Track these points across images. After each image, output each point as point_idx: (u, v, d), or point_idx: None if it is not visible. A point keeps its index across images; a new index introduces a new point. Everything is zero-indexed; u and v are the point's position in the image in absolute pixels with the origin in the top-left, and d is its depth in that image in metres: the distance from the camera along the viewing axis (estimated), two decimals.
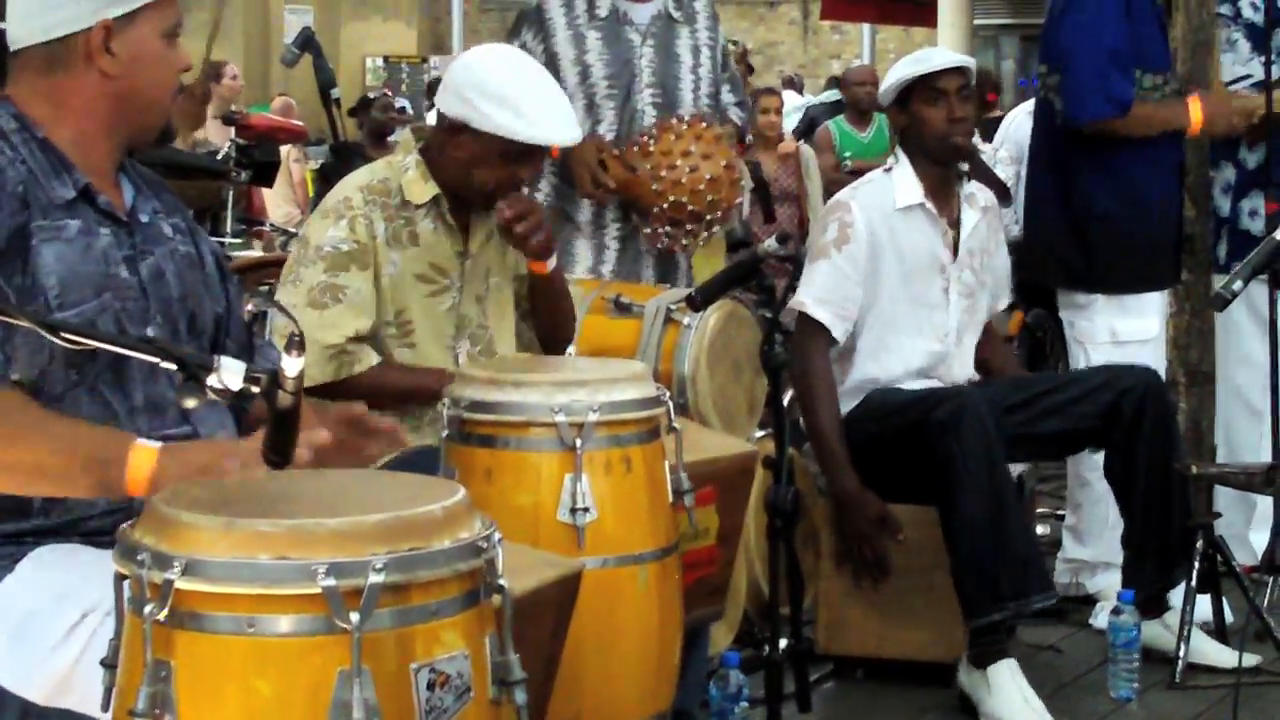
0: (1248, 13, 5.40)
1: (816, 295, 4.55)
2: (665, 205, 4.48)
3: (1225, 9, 5.47)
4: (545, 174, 4.66)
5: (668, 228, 4.54)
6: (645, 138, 4.55)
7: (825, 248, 4.60)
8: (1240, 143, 5.40)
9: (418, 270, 3.64)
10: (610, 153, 4.55)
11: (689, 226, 4.56)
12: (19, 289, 2.49)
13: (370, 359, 3.55)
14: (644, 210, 4.55)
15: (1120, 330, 5.09)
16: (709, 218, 4.57)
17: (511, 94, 3.56)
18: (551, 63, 4.56)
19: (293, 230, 8.04)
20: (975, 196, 4.79)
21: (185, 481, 2.24)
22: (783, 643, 3.58)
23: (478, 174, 3.62)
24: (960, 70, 4.66)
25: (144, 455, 2.35)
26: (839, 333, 4.56)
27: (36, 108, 2.62)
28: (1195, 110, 5.06)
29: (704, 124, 4.58)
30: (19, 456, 2.40)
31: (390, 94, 11.47)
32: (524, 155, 3.60)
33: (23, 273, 2.50)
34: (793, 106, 12.37)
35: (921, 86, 4.62)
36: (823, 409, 4.49)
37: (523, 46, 4.56)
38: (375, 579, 1.92)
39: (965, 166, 4.80)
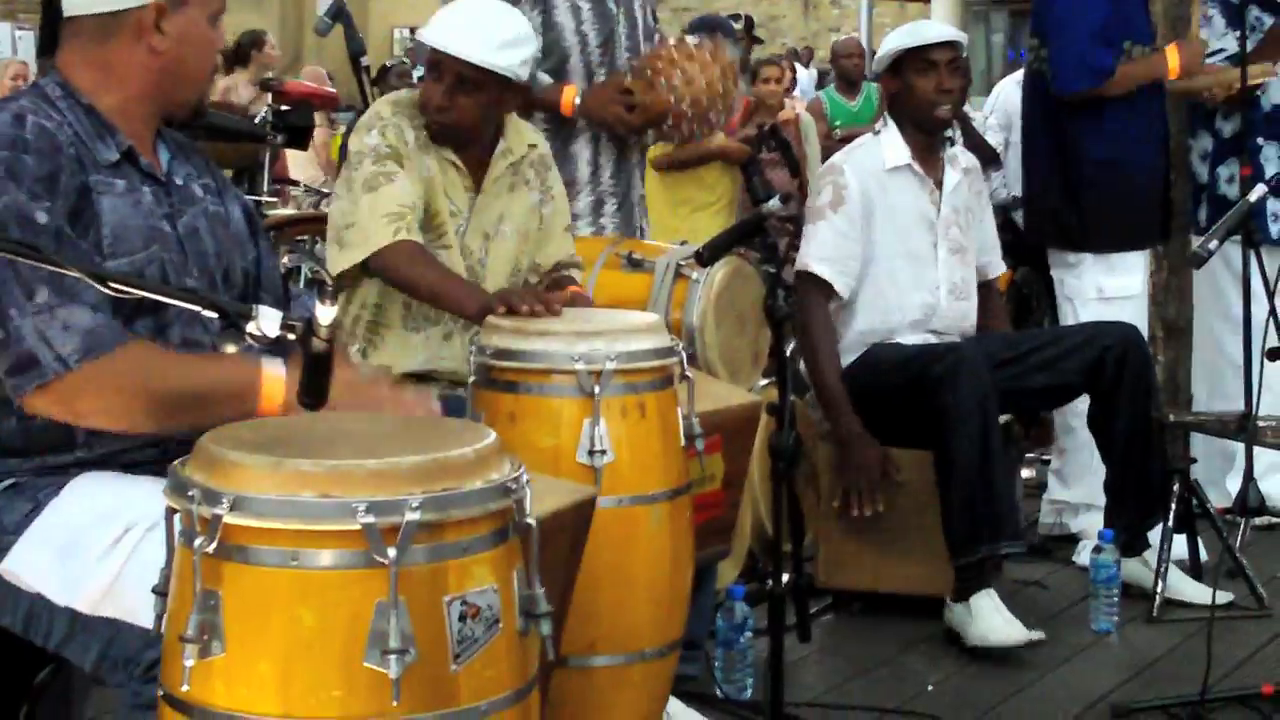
0: None
1: (818, 254, 4.55)
2: (684, 105, 4.51)
3: None
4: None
5: (685, 125, 4.58)
6: (645, 63, 4.59)
7: (822, 210, 4.60)
8: (1216, 113, 5.39)
9: (442, 184, 3.67)
10: (626, 82, 4.56)
11: (703, 119, 4.59)
12: (91, 245, 2.49)
13: (418, 235, 3.54)
14: (662, 119, 4.57)
15: (1106, 287, 5.09)
16: (715, 113, 4.59)
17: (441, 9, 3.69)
18: (553, 32, 4.56)
19: (322, 190, 8.05)
20: (957, 158, 4.80)
21: (233, 424, 2.24)
22: (785, 577, 3.57)
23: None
24: (951, 44, 4.65)
25: (274, 385, 2.43)
26: (842, 287, 4.56)
27: (84, 75, 2.61)
28: (1173, 57, 5.06)
29: (684, 43, 4.64)
30: (163, 390, 2.43)
31: (409, 62, 11.44)
32: (433, 70, 3.62)
33: (92, 226, 2.50)
34: (805, 78, 12.26)
35: (914, 57, 4.60)
36: (824, 359, 4.50)
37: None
38: (411, 517, 1.91)
39: (952, 132, 4.79)
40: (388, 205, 3.51)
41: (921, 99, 4.59)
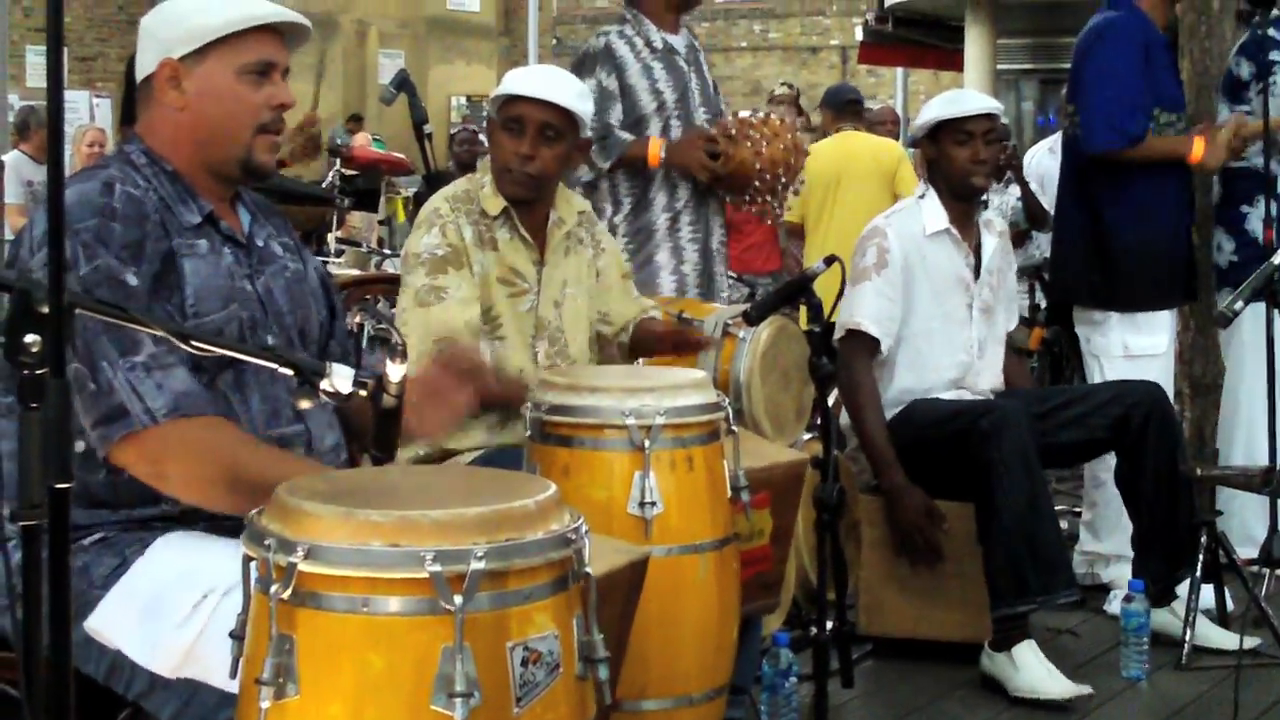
0: None
1: (866, 314, 4.54)
2: (760, 168, 4.55)
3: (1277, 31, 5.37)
4: (623, 195, 4.68)
5: (764, 195, 4.61)
6: (727, 123, 4.64)
7: (866, 271, 4.59)
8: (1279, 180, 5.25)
9: (499, 274, 3.66)
10: (712, 134, 4.60)
11: (778, 190, 4.62)
12: (175, 307, 2.51)
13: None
14: (743, 184, 4.60)
15: (1132, 345, 5.06)
16: (786, 183, 4.62)
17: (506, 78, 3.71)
18: (627, 94, 4.61)
19: (385, 251, 8.12)
20: (992, 223, 4.79)
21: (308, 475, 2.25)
22: (828, 625, 3.57)
23: (492, 157, 3.67)
24: (989, 115, 4.62)
25: None
26: (886, 346, 4.54)
27: (152, 139, 2.64)
28: (1198, 144, 5.03)
29: (763, 115, 4.68)
30: (241, 469, 2.42)
31: (476, 129, 11.58)
32: (514, 124, 3.61)
33: (176, 288, 2.52)
34: None
35: (952, 127, 4.58)
36: (871, 416, 4.48)
37: (598, 84, 4.58)
38: (477, 566, 1.92)
39: (988, 195, 4.79)
40: (438, 329, 3.52)
41: (958, 168, 4.57)
